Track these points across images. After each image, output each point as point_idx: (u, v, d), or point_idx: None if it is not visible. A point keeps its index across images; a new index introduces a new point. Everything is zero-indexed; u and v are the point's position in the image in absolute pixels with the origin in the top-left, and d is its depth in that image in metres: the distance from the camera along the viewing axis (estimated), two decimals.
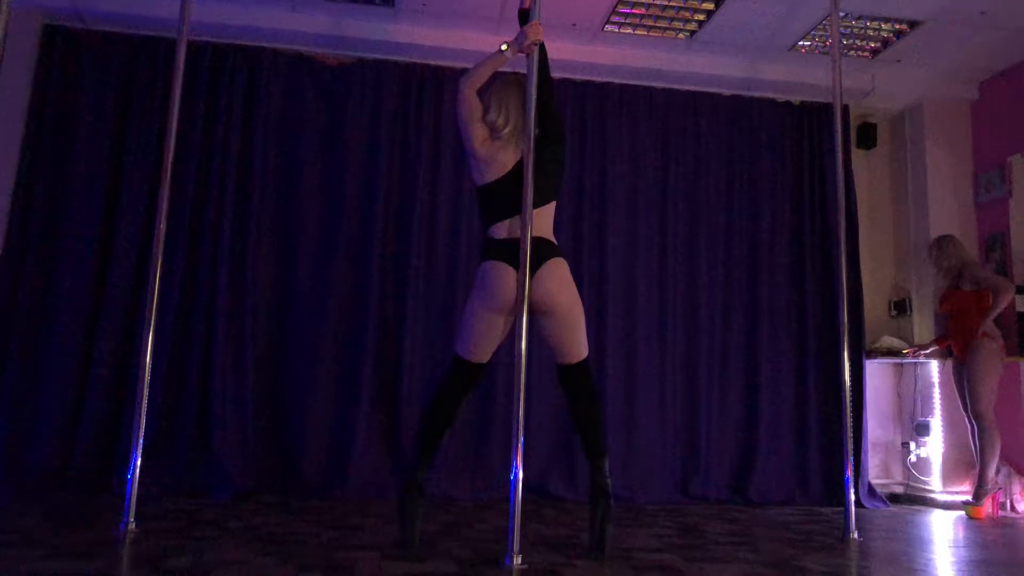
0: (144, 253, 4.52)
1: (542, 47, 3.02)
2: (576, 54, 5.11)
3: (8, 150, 4.58)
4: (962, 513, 4.71)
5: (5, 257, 4.48)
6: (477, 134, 3.03)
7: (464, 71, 3.17)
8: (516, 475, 2.65)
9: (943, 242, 5.02)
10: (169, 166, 3.38)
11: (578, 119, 5.28)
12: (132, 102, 4.79)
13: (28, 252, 4.54)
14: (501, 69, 3.07)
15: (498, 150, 3.02)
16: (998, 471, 4.73)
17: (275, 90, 4.97)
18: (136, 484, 3.12)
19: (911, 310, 5.58)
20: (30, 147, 4.66)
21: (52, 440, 4.35)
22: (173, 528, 3.19)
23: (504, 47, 3.00)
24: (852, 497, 3.61)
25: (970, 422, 4.78)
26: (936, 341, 5.14)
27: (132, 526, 3.05)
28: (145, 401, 3.21)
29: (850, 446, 3.69)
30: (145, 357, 3.23)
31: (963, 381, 4.81)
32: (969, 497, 4.73)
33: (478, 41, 4.84)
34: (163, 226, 3.34)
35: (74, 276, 4.55)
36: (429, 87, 5.12)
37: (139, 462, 3.15)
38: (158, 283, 3.31)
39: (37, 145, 4.67)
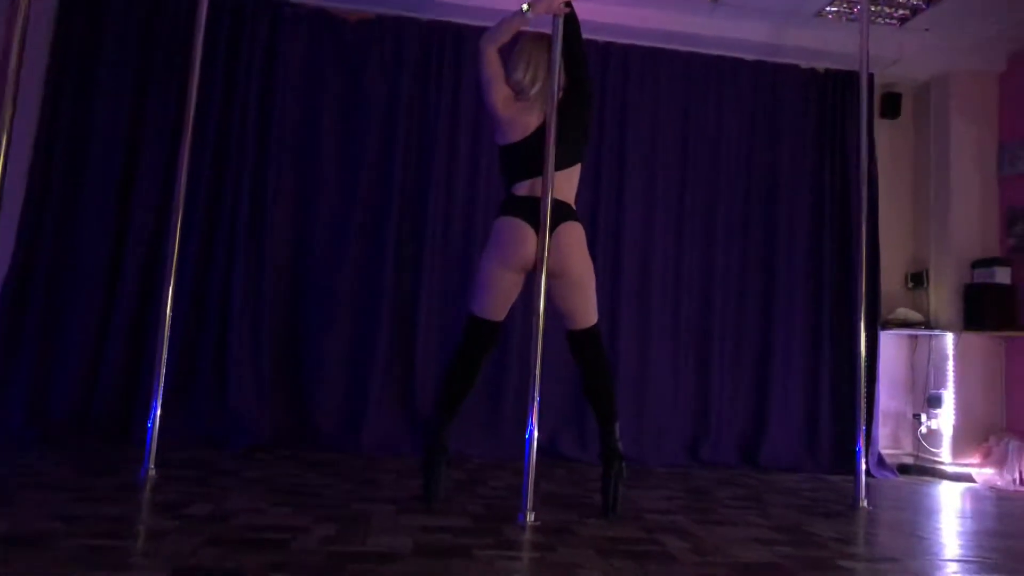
0: (163, 210, 4.53)
1: (572, 11, 2.99)
2: (599, 15, 5.04)
3: (30, 86, 4.51)
4: (971, 484, 4.72)
5: (24, 212, 4.51)
6: (500, 95, 3.00)
7: (484, 30, 3.14)
8: (531, 434, 2.68)
9: None
10: (191, 119, 3.40)
11: (600, 81, 5.22)
12: (154, 46, 4.77)
13: (49, 200, 4.57)
14: (525, 29, 3.04)
15: (522, 111, 2.99)
16: (1009, 444, 4.74)
17: (296, 44, 4.94)
18: (156, 432, 3.18)
19: (927, 283, 5.55)
20: (52, 83, 4.66)
21: (73, 388, 4.41)
22: (192, 476, 3.25)
23: (525, 7, 2.96)
24: (863, 466, 3.63)
25: None
26: None
27: (152, 473, 3.12)
28: (165, 352, 3.26)
29: (862, 416, 3.70)
30: (165, 308, 3.27)
31: None
32: (979, 469, 4.73)
33: None
34: (183, 188, 3.37)
35: (91, 255, 4.59)
36: (449, 45, 5.08)
37: (159, 412, 3.21)
38: (178, 235, 3.35)
39: (60, 84, 4.66)
